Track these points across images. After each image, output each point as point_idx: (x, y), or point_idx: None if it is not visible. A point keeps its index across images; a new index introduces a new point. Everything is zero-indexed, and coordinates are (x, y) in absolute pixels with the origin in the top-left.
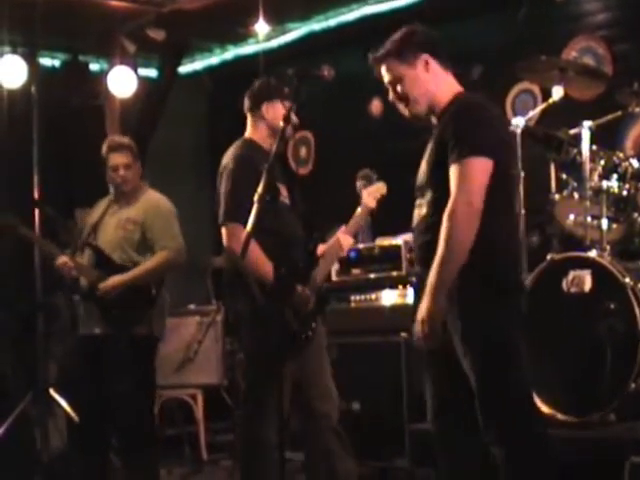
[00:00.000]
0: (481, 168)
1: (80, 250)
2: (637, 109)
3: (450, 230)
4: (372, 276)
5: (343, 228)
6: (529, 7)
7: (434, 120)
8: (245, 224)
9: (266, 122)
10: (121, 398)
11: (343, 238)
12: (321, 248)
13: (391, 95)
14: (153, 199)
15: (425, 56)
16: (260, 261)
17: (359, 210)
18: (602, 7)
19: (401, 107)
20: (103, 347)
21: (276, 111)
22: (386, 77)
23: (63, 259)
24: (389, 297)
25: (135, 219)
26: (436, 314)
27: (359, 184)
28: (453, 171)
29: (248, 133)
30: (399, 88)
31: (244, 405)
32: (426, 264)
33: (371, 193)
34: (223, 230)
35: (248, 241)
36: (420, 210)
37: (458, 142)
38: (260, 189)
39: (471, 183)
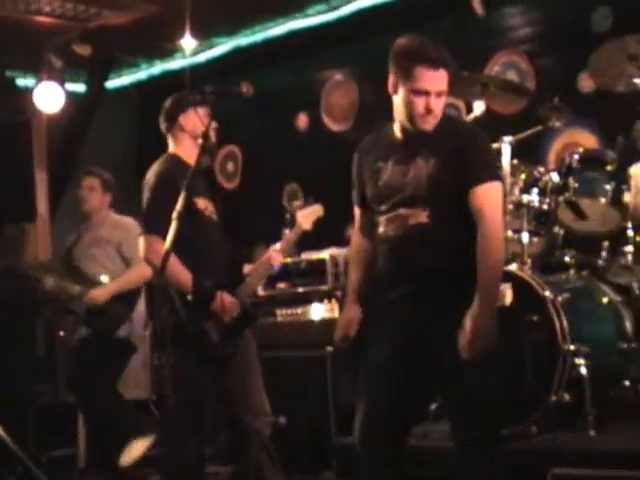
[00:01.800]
0: (500, 190)
1: (60, 271)
2: (557, 123)
3: (498, 249)
4: (298, 290)
5: (274, 247)
6: (454, 21)
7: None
8: (163, 236)
9: (187, 133)
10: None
11: (273, 257)
12: (248, 267)
13: (423, 106)
14: (121, 220)
15: None
16: (179, 273)
17: (292, 231)
18: (525, 22)
19: (422, 119)
20: (84, 349)
21: (194, 119)
22: (440, 85)
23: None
24: (315, 311)
25: (108, 238)
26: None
27: (296, 204)
28: (482, 193)
29: (171, 149)
30: (435, 101)
31: (169, 420)
32: (415, 277)
33: (307, 215)
34: (141, 242)
35: (167, 257)
36: (409, 220)
37: (483, 165)
38: (178, 206)
39: (499, 204)
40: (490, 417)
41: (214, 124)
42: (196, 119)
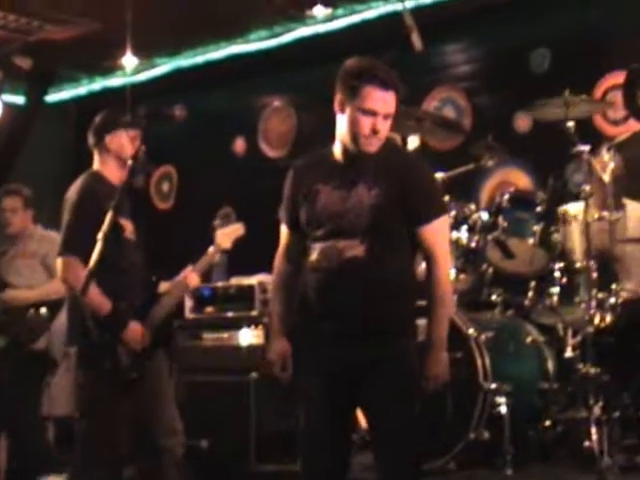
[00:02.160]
0: (448, 224)
1: None
2: (490, 162)
3: (450, 284)
4: (225, 315)
5: (190, 267)
6: (393, 54)
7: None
8: (82, 257)
9: (112, 154)
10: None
11: (189, 277)
12: (165, 286)
13: (369, 126)
14: (49, 235)
15: None
16: (94, 295)
17: (210, 249)
18: (465, 59)
19: (367, 140)
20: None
21: (120, 140)
22: (388, 107)
23: None
24: (242, 337)
25: (34, 251)
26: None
27: (216, 223)
28: (432, 232)
29: (95, 166)
30: (382, 122)
31: (81, 442)
32: (352, 311)
33: (227, 234)
34: (59, 261)
35: (90, 278)
36: (344, 253)
37: (431, 201)
38: (105, 227)
39: (448, 239)
40: (414, 450)
41: (143, 147)
42: (122, 140)
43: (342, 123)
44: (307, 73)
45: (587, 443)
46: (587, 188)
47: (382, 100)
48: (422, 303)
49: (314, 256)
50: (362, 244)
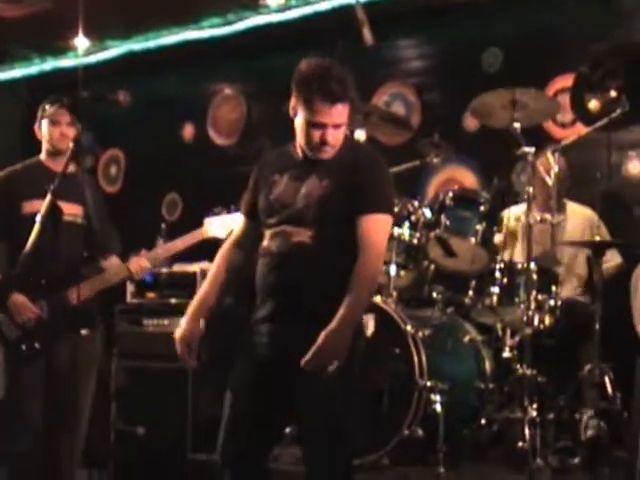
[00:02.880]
0: (390, 225)
1: None
2: (436, 160)
3: (373, 278)
4: (167, 301)
5: (144, 251)
6: (343, 47)
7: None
8: None
9: (43, 143)
10: None
11: (135, 261)
12: (108, 264)
13: (318, 138)
14: None
15: None
16: None
17: (186, 237)
18: (416, 55)
19: (317, 149)
20: None
21: (42, 130)
22: (338, 119)
23: None
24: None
25: None
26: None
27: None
28: (373, 222)
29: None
30: (331, 132)
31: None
32: (293, 295)
33: (224, 222)
34: None
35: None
36: (292, 238)
37: (380, 196)
38: (43, 210)
39: (386, 238)
40: (342, 445)
41: (71, 132)
42: (45, 129)
43: (296, 126)
44: (258, 62)
45: (521, 444)
46: (530, 190)
47: (331, 114)
48: None
49: (265, 242)
50: (309, 231)
